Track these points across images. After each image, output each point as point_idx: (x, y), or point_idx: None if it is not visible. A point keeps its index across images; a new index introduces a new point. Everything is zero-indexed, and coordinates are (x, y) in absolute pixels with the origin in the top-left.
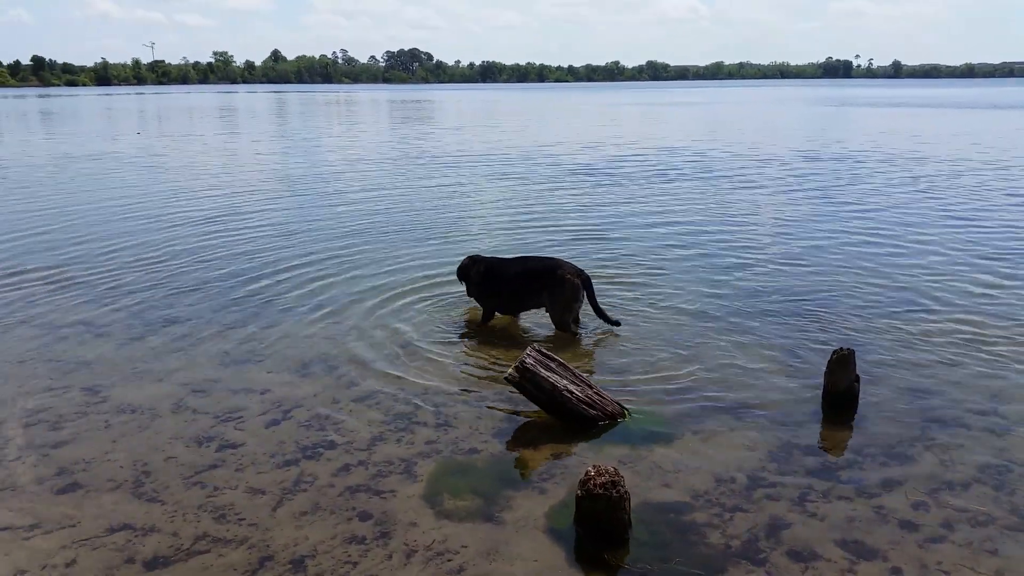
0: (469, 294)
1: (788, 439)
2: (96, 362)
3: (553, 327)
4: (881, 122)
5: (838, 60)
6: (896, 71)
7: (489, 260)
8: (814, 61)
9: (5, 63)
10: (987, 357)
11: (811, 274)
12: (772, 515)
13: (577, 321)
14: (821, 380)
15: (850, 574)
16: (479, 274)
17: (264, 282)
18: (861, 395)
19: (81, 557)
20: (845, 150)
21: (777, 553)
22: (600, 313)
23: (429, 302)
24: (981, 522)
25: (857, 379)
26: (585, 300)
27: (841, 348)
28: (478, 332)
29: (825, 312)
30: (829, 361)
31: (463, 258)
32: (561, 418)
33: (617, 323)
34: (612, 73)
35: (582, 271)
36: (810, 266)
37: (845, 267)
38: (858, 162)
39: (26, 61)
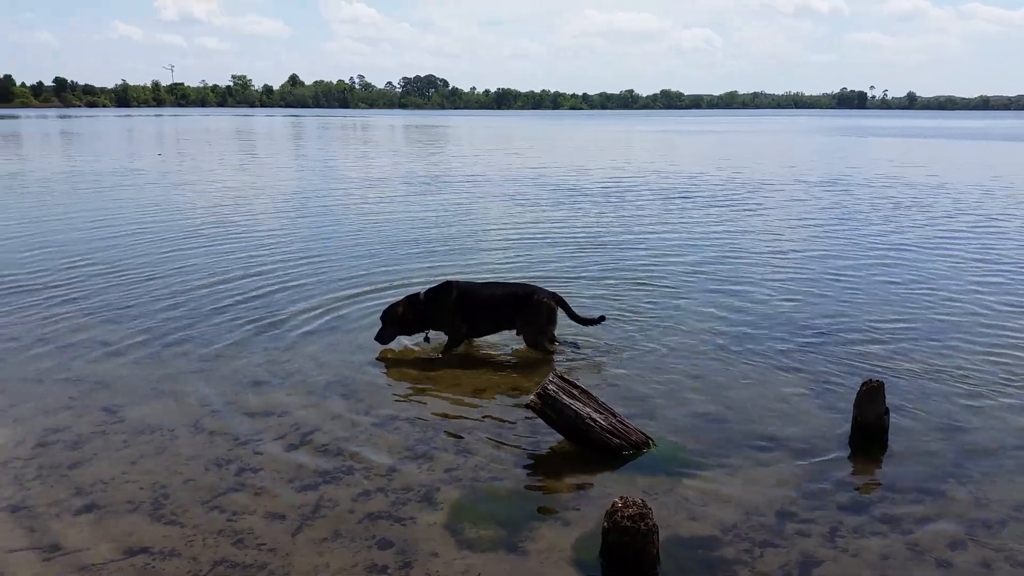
0: (437, 322)
1: (817, 472)
2: (113, 381)
3: (549, 347)
4: (898, 151)
5: (852, 91)
6: (911, 102)
7: (463, 284)
8: (828, 92)
9: (28, 84)
10: (1019, 391)
11: (836, 304)
12: (803, 551)
13: (553, 339)
14: (850, 412)
15: None
16: (455, 300)
17: (281, 303)
18: (891, 428)
19: None
20: (864, 178)
21: None
22: (580, 320)
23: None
24: (1020, 562)
25: (887, 411)
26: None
27: (870, 380)
28: (498, 356)
29: (851, 343)
30: (858, 393)
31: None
32: (584, 447)
33: (602, 319)
34: (626, 101)
35: (554, 293)
36: (835, 296)
37: (871, 297)
38: (878, 188)
39: (48, 82)
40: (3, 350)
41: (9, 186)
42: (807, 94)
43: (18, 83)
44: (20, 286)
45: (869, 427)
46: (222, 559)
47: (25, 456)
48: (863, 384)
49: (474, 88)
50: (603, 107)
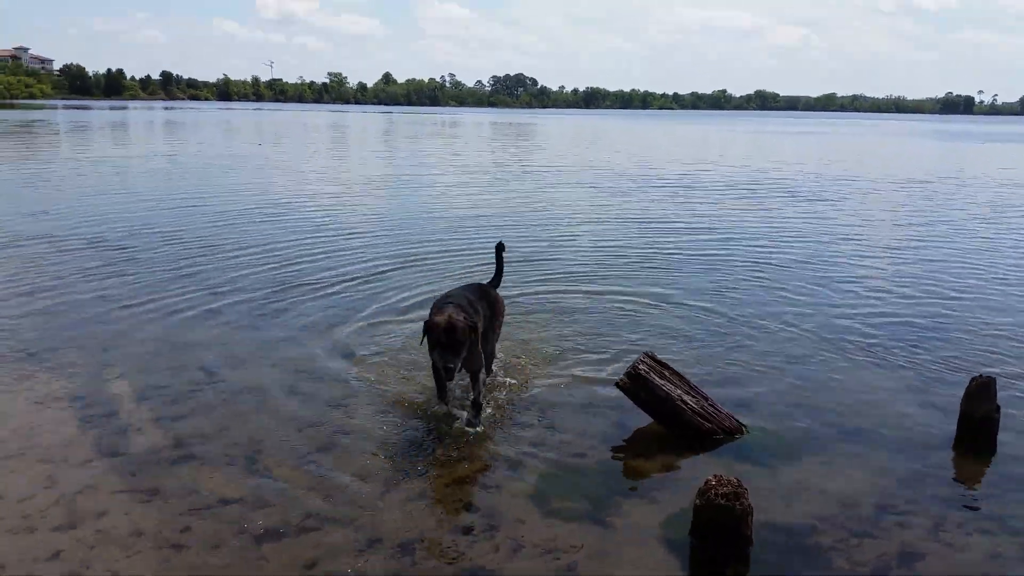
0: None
1: (919, 467)
2: (213, 345)
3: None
4: (1010, 156)
5: (958, 95)
6: (1023, 107)
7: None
8: (932, 95)
9: (137, 78)
10: None
11: (943, 304)
12: (903, 543)
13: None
14: (954, 408)
15: None
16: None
17: (372, 282)
18: (1000, 428)
19: (195, 525)
20: (974, 180)
21: None
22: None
23: (536, 301)
24: None
25: (998, 408)
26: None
27: (981, 375)
28: (586, 333)
29: (957, 343)
30: (968, 388)
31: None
32: (673, 429)
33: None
34: (719, 102)
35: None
36: (942, 296)
37: (980, 298)
38: (988, 191)
39: (155, 76)
40: (115, 316)
41: (122, 168)
42: (909, 98)
43: (128, 77)
44: (131, 258)
45: (977, 424)
46: (312, 512)
47: (128, 409)
48: (973, 379)
49: (563, 87)
50: (694, 107)
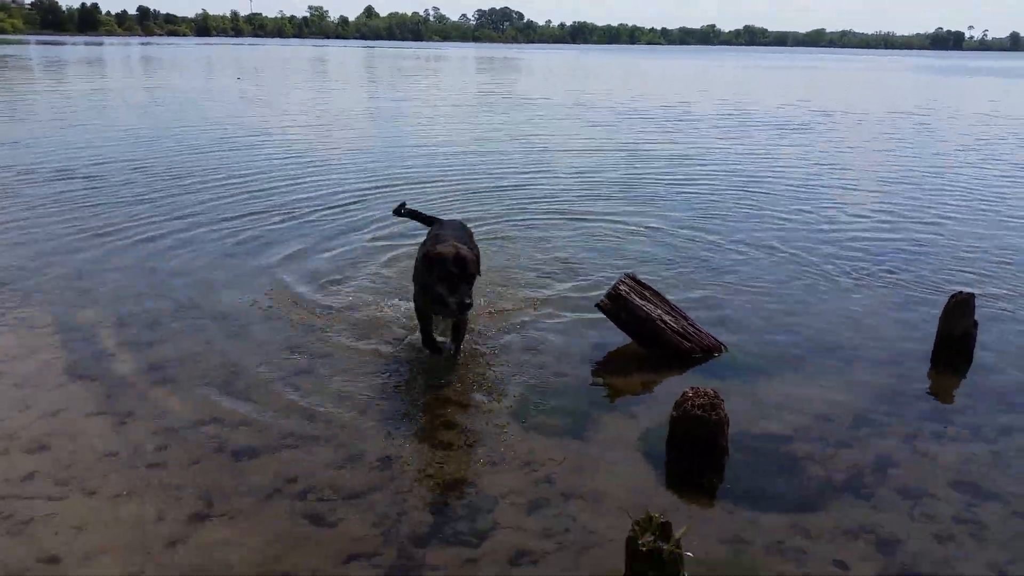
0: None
1: (897, 381)
2: (187, 273)
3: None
4: (996, 90)
5: (948, 31)
6: (1014, 43)
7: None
8: (922, 31)
9: (113, 13)
10: None
11: (925, 230)
12: (879, 453)
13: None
14: (933, 326)
15: (966, 515)
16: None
17: (352, 211)
18: (977, 344)
19: (171, 444)
20: (959, 113)
21: (884, 489)
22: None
23: (516, 227)
24: None
25: (975, 324)
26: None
27: (960, 292)
28: (567, 258)
29: (939, 267)
30: (947, 305)
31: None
32: (654, 349)
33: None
34: (707, 37)
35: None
36: (925, 223)
37: (963, 225)
38: (971, 124)
39: (132, 11)
40: (88, 244)
41: (98, 102)
42: (899, 34)
43: (103, 11)
44: (104, 188)
45: (955, 340)
46: (290, 431)
47: (103, 335)
48: (952, 296)
49: (549, 21)
50: (682, 42)
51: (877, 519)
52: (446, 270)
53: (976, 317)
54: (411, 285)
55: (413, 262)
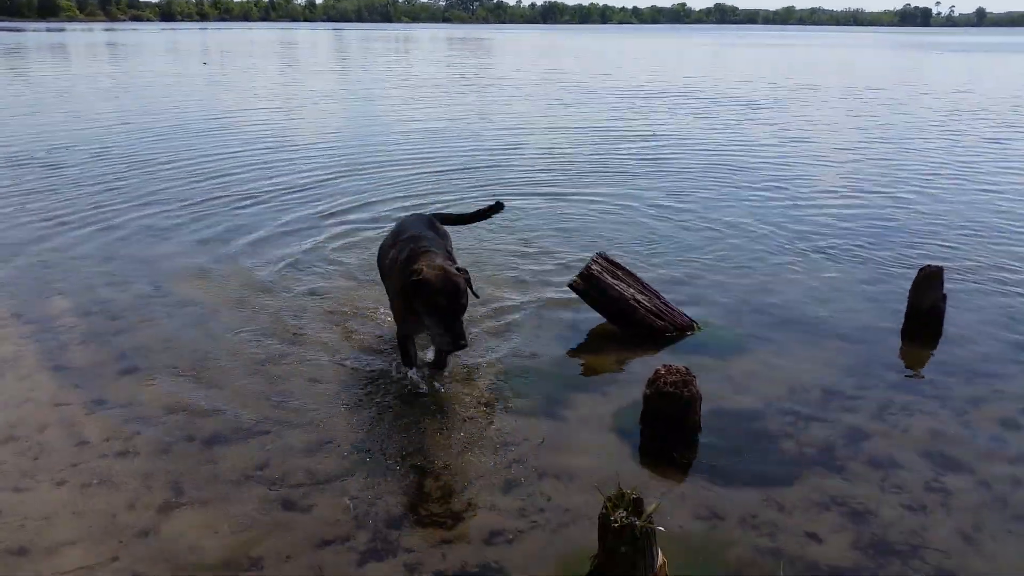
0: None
1: (867, 355)
2: (156, 261)
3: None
4: (962, 65)
5: (916, 7)
6: (979, 19)
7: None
8: (890, 8)
9: None
10: None
11: (896, 205)
12: (850, 426)
13: None
14: (903, 301)
15: (936, 485)
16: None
17: (318, 195)
18: (947, 318)
19: (140, 433)
20: (929, 89)
21: (855, 462)
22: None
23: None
24: None
25: (944, 297)
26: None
27: (929, 265)
28: (539, 237)
29: (910, 242)
30: (916, 278)
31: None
32: (627, 328)
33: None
34: (678, 15)
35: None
36: (896, 198)
37: (934, 200)
38: (939, 99)
39: None
40: (51, 232)
41: (61, 88)
42: (868, 10)
43: None
44: (67, 175)
45: (924, 313)
46: (261, 418)
47: (70, 324)
48: (921, 269)
49: (519, 1)
50: (654, 21)
51: (848, 491)
52: (435, 303)
53: (945, 290)
54: (379, 277)
55: (378, 251)
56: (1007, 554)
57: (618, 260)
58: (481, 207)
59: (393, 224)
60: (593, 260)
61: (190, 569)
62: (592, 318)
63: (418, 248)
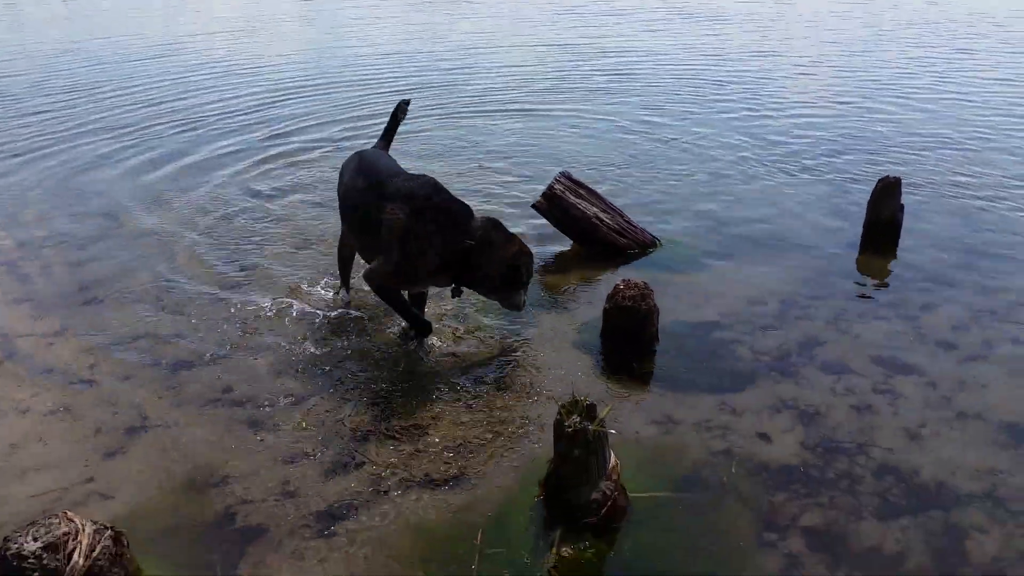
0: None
1: (825, 266)
2: (112, 191)
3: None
4: None
5: None
6: None
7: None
8: None
9: None
10: None
11: (862, 114)
12: (804, 333)
13: None
14: (863, 213)
15: (884, 387)
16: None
17: (272, 120)
18: (904, 229)
19: (104, 360)
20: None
21: (809, 367)
22: None
23: (445, 128)
24: (1023, 343)
25: (902, 208)
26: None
27: (888, 176)
28: (500, 158)
29: (872, 153)
30: (874, 189)
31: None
32: (591, 247)
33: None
34: None
35: None
36: (862, 109)
37: (898, 113)
38: (915, 12)
39: None
40: (6, 165)
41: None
42: None
43: None
44: (18, 108)
45: (882, 224)
46: (226, 343)
47: (29, 257)
48: (879, 180)
49: None
50: None
51: (800, 394)
52: (529, 272)
53: (903, 201)
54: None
55: (345, 190)
56: (947, 449)
57: (581, 179)
58: (390, 118)
59: (352, 160)
60: (556, 180)
61: (158, 489)
62: (556, 236)
63: (455, 207)
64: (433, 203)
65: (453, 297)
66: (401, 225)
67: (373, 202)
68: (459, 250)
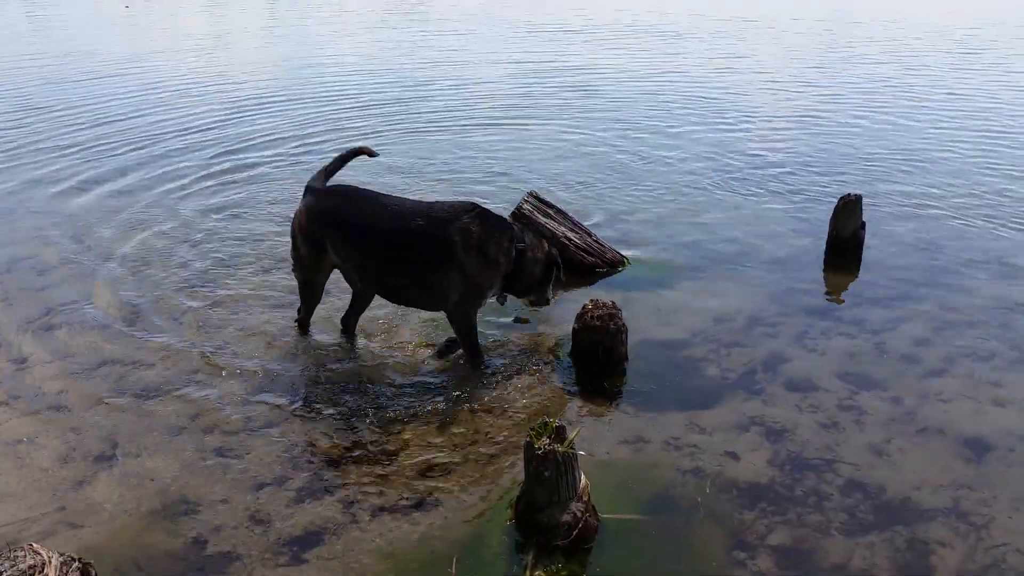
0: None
1: (789, 284)
2: (81, 215)
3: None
4: None
5: None
6: None
7: None
8: None
9: None
10: (991, 214)
11: (826, 131)
12: (770, 350)
13: None
14: (826, 231)
15: (849, 403)
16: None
17: (254, 149)
18: (866, 246)
19: (71, 387)
20: (869, 21)
21: (774, 384)
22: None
23: (405, 146)
24: (983, 357)
25: (863, 226)
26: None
27: (849, 194)
28: (465, 179)
29: (836, 167)
30: (836, 207)
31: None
32: None
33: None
34: None
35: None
36: (825, 125)
37: (863, 132)
38: (879, 30)
39: None
40: None
41: None
42: None
43: None
44: None
45: (845, 241)
46: (195, 369)
47: None
48: (841, 198)
49: None
50: None
51: (767, 412)
52: (557, 271)
53: (865, 218)
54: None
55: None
56: (912, 463)
57: (548, 199)
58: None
59: (342, 200)
60: (524, 199)
61: (127, 518)
62: None
63: (500, 216)
64: (487, 212)
65: (501, 304)
66: (479, 234)
67: (422, 227)
68: (515, 253)
